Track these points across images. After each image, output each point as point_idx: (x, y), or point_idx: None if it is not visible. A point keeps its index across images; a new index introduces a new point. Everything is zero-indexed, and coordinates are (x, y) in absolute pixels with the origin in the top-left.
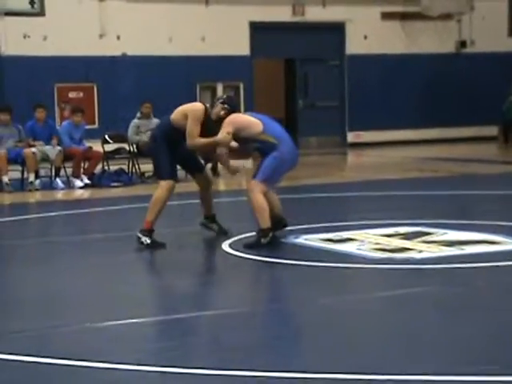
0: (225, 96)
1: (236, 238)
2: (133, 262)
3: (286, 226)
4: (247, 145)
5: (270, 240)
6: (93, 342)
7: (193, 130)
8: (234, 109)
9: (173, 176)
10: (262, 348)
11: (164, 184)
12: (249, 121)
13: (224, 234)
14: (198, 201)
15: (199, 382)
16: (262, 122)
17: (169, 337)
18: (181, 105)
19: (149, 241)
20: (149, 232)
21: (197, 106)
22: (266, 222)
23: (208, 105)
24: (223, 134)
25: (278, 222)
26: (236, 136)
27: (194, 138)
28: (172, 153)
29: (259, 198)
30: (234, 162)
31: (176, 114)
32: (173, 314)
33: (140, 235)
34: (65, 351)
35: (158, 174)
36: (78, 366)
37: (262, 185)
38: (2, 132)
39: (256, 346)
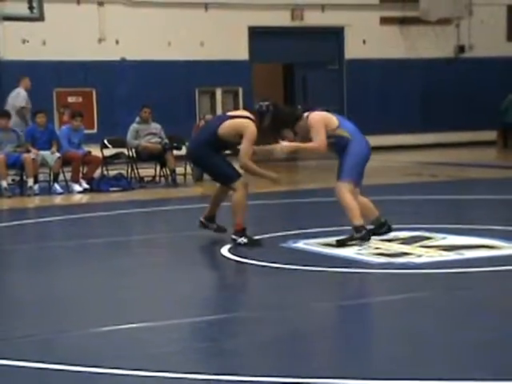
0: (266, 104)
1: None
2: (132, 267)
3: (390, 228)
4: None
5: (365, 236)
6: (95, 348)
7: (249, 151)
8: (279, 113)
9: (239, 174)
10: (261, 353)
11: (238, 185)
12: (327, 117)
13: (223, 231)
14: (196, 206)
15: None
16: (335, 117)
17: (167, 342)
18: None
19: (246, 240)
20: (242, 232)
21: (252, 128)
22: (357, 219)
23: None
24: (320, 140)
25: (381, 225)
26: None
27: (248, 159)
28: (222, 157)
29: (347, 197)
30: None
31: (226, 129)
32: (171, 319)
33: (235, 237)
34: (68, 357)
35: (226, 180)
36: (81, 372)
37: (348, 184)
38: (1, 137)
39: (255, 351)
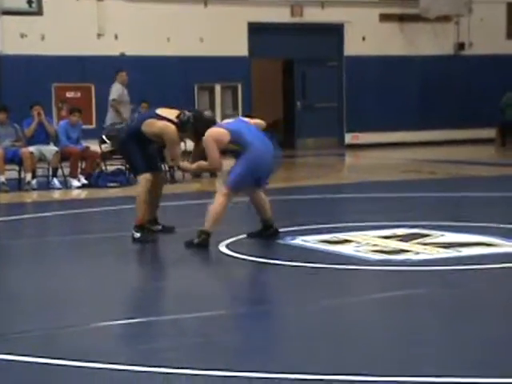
0: (188, 115)
1: (233, 239)
2: (129, 263)
3: (276, 232)
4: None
5: (204, 242)
6: (91, 343)
7: (175, 153)
8: (203, 123)
9: (147, 169)
10: (257, 349)
11: (141, 179)
12: (219, 134)
13: (170, 231)
14: (192, 202)
15: (194, 382)
16: (229, 130)
17: (163, 337)
18: (173, 107)
19: (138, 235)
20: (139, 228)
21: (170, 132)
22: (209, 226)
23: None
24: (212, 159)
25: (269, 227)
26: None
27: (179, 160)
28: (142, 149)
29: (218, 202)
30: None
31: (147, 128)
32: (168, 315)
33: (133, 231)
34: (64, 352)
35: (133, 172)
36: (77, 367)
37: (229, 190)
38: None
39: (252, 347)
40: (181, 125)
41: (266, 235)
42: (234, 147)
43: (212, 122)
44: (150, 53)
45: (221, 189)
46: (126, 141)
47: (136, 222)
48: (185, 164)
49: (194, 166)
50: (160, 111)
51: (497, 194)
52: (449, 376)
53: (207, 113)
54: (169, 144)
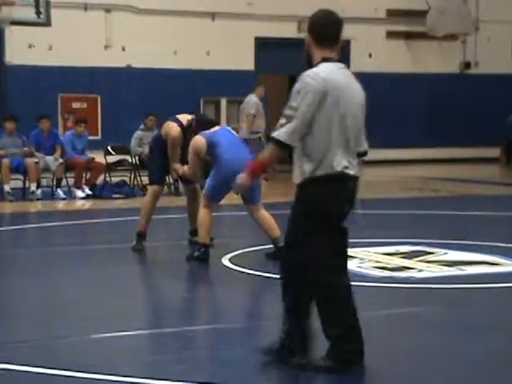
0: (190, 119)
1: (236, 253)
2: (132, 274)
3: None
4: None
5: (203, 256)
6: (91, 354)
7: (173, 156)
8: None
9: (159, 181)
10: (257, 363)
11: (149, 189)
12: (199, 144)
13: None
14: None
15: None
16: (207, 141)
17: (165, 350)
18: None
19: (134, 242)
20: (137, 235)
21: (173, 133)
22: (202, 237)
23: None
24: (190, 168)
25: (280, 248)
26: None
27: (174, 163)
28: (161, 159)
29: (201, 213)
30: None
31: (162, 129)
32: (169, 328)
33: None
34: (63, 362)
35: (149, 180)
36: (73, 377)
37: (207, 202)
38: (6, 141)
39: (251, 361)
40: (186, 128)
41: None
42: (208, 159)
43: (209, 127)
44: (157, 65)
45: (203, 201)
46: (150, 147)
47: (138, 229)
48: (176, 165)
49: (181, 170)
50: (179, 115)
51: (501, 214)
52: None
53: (208, 118)
54: (169, 145)
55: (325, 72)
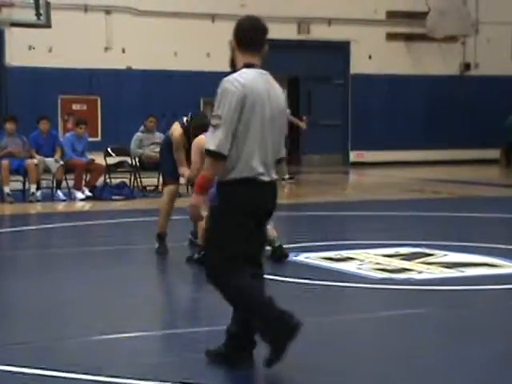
0: (186, 118)
1: None
2: (132, 275)
3: (281, 255)
4: None
5: (203, 259)
6: (91, 356)
7: (177, 156)
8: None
9: (173, 180)
10: (258, 365)
11: (164, 190)
12: (202, 142)
13: None
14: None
15: None
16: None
17: (166, 351)
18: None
19: (157, 245)
20: (157, 237)
21: (175, 134)
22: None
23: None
24: (194, 165)
25: (275, 249)
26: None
27: (181, 165)
28: (174, 160)
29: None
30: None
31: (170, 131)
32: (170, 329)
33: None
34: (63, 364)
35: (162, 181)
36: (75, 379)
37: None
38: (7, 142)
39: (256, 362)
40: (186, 128)
41: (275, 257)
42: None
43: (200, 124)
44: (157, 67)
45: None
46: (161, 149)
47: (157, 231)
48: (182, 169)
49: (187, 173)
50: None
51: (500, 215)
52: None
53: (203, 116)
54: (173, 147)
55: (244, 78)
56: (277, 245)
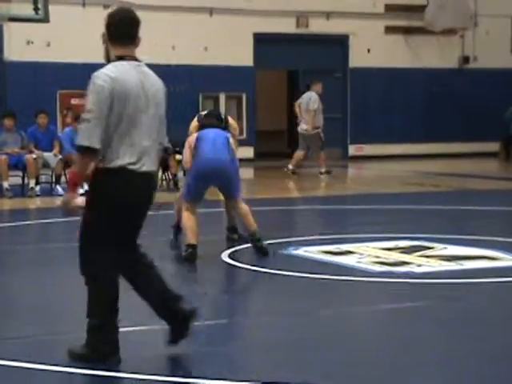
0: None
1: (235, 249)
2: None
3: (258, 246)
4: None
5: (189, 256)
6: None
7: (184, 155)
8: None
9: None
10: (259, 359)
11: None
12: (192, 140)
13: (247, 241)
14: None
15: None
16: (197, 136)
17: (168, 346)
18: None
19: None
20: (174, 228)
21: (191, 128)
22: (187, 239)
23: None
24: (185, 159)
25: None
26: None
27: (186, 164)
28: None
29: (183, 216)
30: None
31: None
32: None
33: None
34: (63, 358)
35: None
36: (78, 374)
37: (185, 203)
38: (5, 138)
39: (254, 357)
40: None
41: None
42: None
43: (206, 125)
44: (155, 61)
45: (183, 204)
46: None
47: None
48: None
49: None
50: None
51: (500, 208)
52: None
53: (204, 114)
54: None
55: (113, 71)
56: (256, 238)
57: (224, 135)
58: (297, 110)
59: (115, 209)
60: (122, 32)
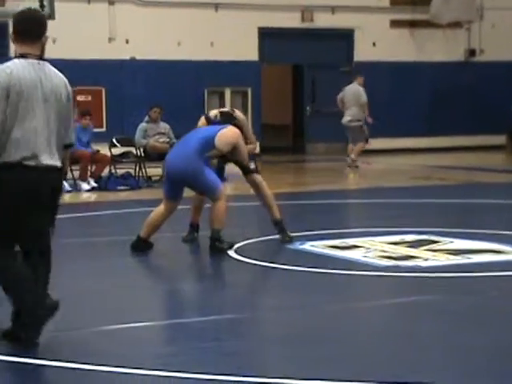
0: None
1: (242, 244)
2: (138, 266)
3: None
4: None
5: (134, 244)
6: (98, 346)
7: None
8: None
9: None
10: (265, 354)
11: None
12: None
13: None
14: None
15: None
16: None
17: (172, 341)
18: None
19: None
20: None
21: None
22: (142, 231)
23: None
24: None
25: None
26: None
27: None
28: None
29: (153, 213)
30: None
31: None
32: (176, 319)
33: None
34: (74, 354)
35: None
36: (83, 370)
37: (164, 200)
38: None
39: (259, 351)
40: (212, 122)
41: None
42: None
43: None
44: (161, 57)
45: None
46: None
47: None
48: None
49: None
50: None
51: (507, 201)
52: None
53: (231, 112)
54: None
55: (11, 68)
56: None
57: (206, 133)
58: (339, 103)
59: (13, 202)
60: (26, 31)
